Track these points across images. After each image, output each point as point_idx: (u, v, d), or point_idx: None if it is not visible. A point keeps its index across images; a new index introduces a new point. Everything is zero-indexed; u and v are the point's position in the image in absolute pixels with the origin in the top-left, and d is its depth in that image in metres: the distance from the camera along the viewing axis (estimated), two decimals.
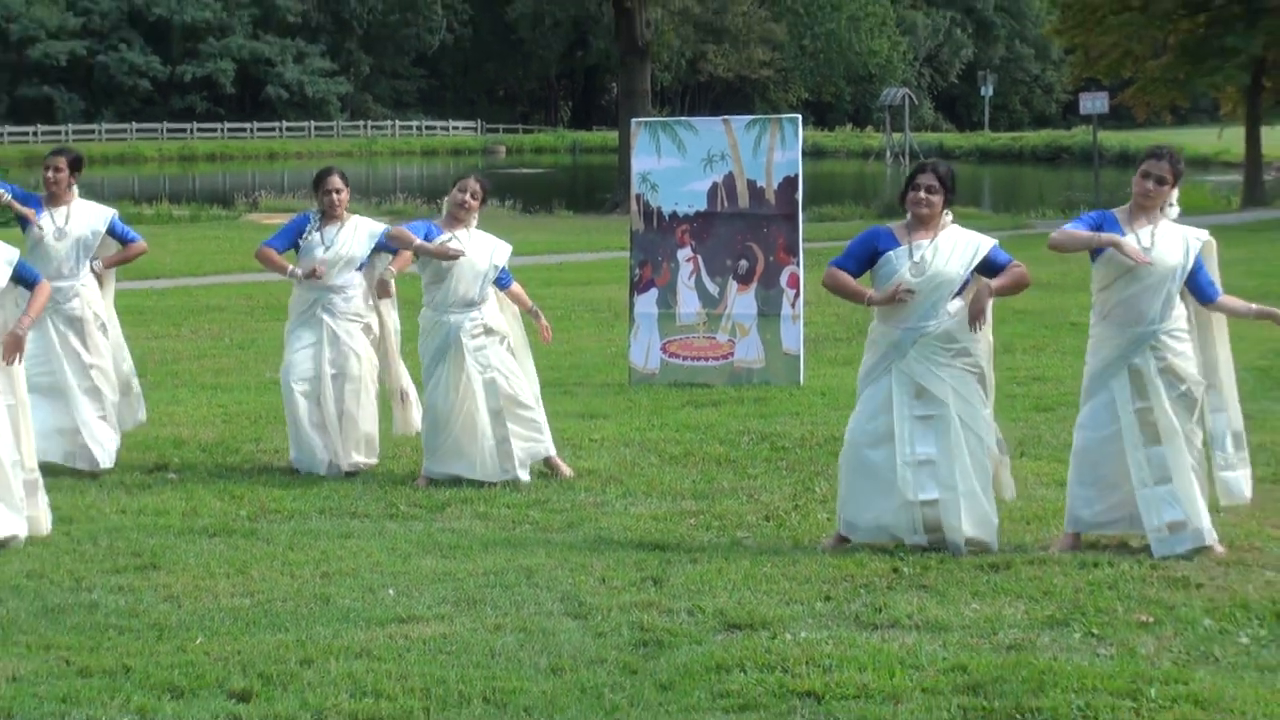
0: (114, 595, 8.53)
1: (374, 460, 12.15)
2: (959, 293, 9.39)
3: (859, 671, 7.05)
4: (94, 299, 12.21)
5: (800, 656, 7.29)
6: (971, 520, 9.28)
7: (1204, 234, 9.33)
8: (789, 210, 16.15)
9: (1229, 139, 56.65)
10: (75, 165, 12.30)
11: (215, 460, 12.36)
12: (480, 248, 11.63)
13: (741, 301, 16.15)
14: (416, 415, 12.20)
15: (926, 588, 8.50)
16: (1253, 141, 46.50)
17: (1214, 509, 9.40)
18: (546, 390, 12.44)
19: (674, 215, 16.15)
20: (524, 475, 11.52)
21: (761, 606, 8.15)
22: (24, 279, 10.17)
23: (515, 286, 12.16)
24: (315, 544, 9.68)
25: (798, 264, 16.09)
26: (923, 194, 9.42)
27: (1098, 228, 9.20)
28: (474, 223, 11.82)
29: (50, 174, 12.19)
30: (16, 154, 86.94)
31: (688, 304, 16.14)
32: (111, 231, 12.44)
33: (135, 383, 12.66)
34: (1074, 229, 9.28)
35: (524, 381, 11.81)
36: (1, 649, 7.60)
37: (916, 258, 9.38)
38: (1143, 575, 8.67)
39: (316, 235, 12.01)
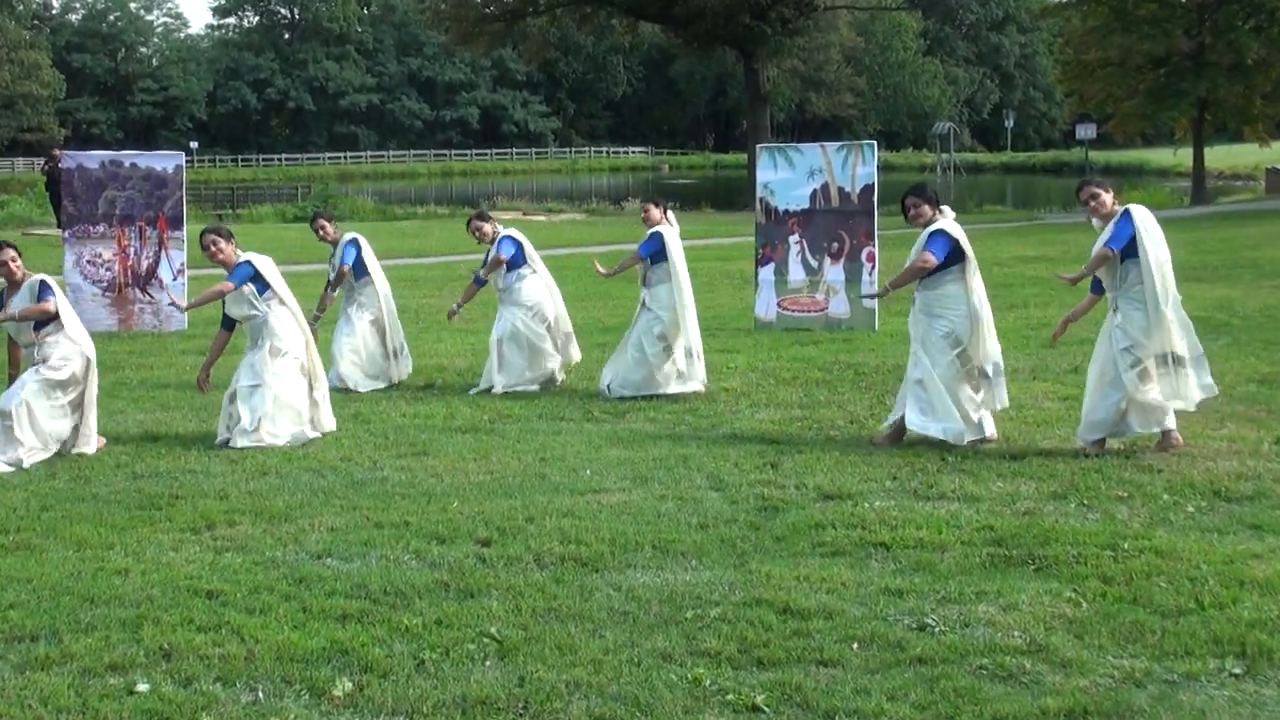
0: (398, 472, 8.65)
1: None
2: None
3: (916, 529, 6.98)
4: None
5: (875, 519, 7.22)
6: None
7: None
8: (868, 208, 15.97)
9: (1181, 156, 56.74)
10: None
11: (465, 381, 12.41)
12: None
13: (833, 271, 16.01)
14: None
15: (964, 471, 8.37)
16: (1198, 158, 46.75)
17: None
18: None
19: (786, 212, 16.11)
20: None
21: (847, 483, 8.07)
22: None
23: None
24: (535, 438, 9.72)
25: (874, 245, 15.92)
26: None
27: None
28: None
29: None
30: (334, 171, 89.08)
31: (796, 273, 16.09)
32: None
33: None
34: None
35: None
36: (324, 508, 7.73)
37: None
38: (1119, 463, 8.48)
39: None
